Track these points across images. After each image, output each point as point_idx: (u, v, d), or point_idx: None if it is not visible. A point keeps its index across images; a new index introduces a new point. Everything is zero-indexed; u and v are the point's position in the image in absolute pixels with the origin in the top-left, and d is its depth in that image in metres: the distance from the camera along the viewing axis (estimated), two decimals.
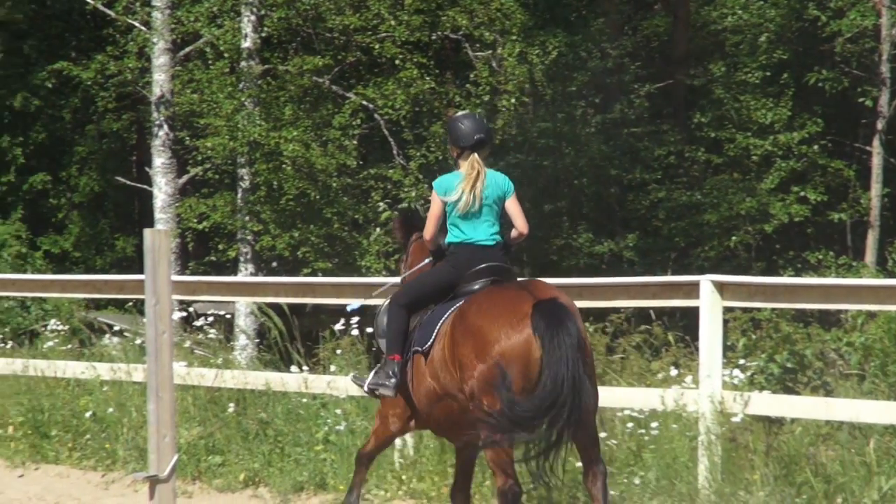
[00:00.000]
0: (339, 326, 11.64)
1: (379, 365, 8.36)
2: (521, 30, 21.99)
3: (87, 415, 11.78)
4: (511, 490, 7.33)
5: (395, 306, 8.20)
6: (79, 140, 31.16)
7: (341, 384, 10.37)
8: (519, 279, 8.45)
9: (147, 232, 6.51)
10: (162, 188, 22.39)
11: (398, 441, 9.86)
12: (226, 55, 21.77)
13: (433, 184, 8.39)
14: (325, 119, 21.94)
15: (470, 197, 7.97)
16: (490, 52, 22.29)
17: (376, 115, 21.73)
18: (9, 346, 14.24)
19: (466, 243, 8.06)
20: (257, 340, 19.29)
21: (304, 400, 11.11)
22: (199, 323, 13.32)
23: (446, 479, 9.52)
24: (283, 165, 21.34)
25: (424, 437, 10.11)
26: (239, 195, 22.74)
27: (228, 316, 17.10)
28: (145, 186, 24.23)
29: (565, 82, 25.83)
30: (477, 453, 8.13)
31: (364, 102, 21.68)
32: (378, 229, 20.11)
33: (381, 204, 19.80)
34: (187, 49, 22.72)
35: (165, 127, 22.24)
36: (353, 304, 10.27)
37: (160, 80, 22.15)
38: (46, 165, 30.34)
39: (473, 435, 7.49)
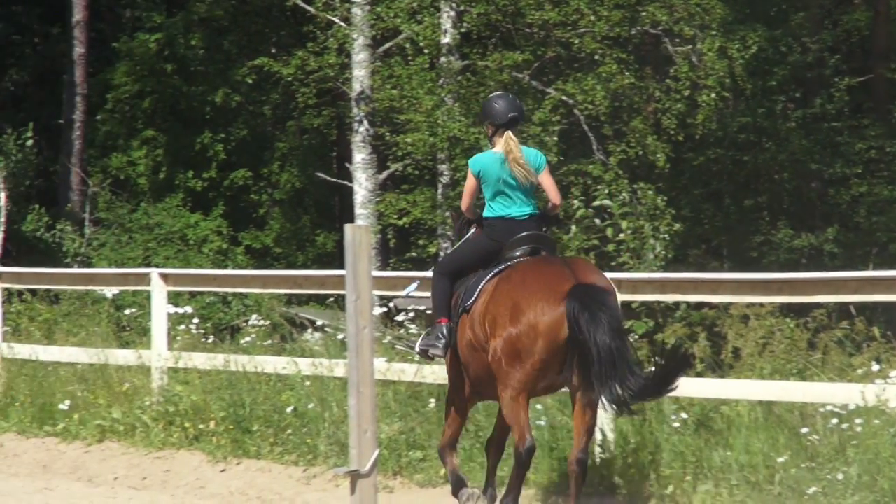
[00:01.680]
0: None
1: (428, 329, 9.06)
2: (720, 24, 21.74)
3: (289, 410, 11.94)
4: (526, 446, 8.01)
5: (438, 275, 8.96)
6: (279, 136, 31.76)
7: None
8: (563, 256, 9.34)
9: (348, 227, 6.64)
10: (362, 184, 22.70)
11: (598, 435, 9.90)
12: (425, 51, 21.95)
13: (468, 161, 9.05)
14: (524, 115, 21.96)
15: (523, 171, 8.63)
16: (690, 47, 22.05)
17: (576, 111, 21.68)
18: (210, 342, 14.51)
19: (502, 217, 8.69)
20: None
21: None
22: (399, 318, 13.47)
23: (647, 475, 9.65)
24: None
25: (624, 433, 10.11)
26: (439, 191, 22.90)
27: (429, 311, 17.21)
28: (346, 182, 24.57)
29: (765, 77, 25.57)
30: None
31: (564, 98, 21.65)
32: (574, 227, 20.09)
33: (575, 202, 19.76)
34: (387, 45, 22.98)
35: (365, 123, 22.55)
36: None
37: (360, 77, 22.46)
38: (247, 161, 30.91)
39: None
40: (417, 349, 9.16)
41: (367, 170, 22.69)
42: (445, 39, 21.94)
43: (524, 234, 8.63)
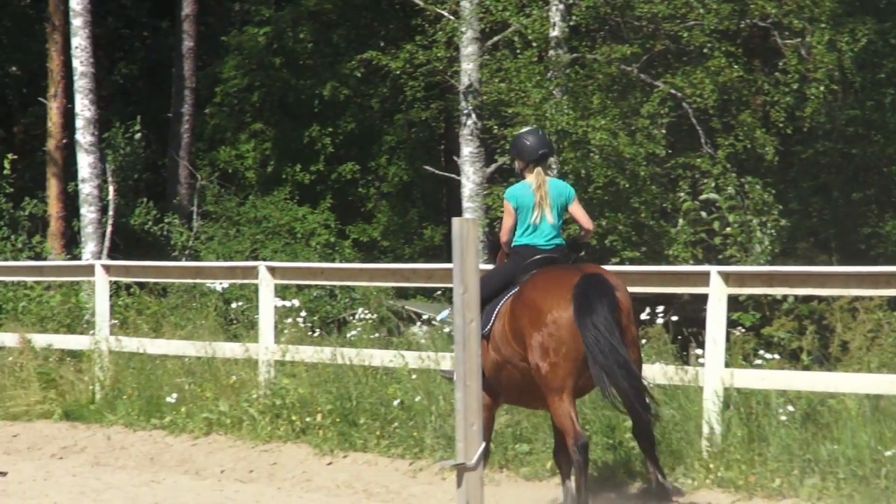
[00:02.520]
0: (644, 316, 11.75)
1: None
2: (830, 17, 21.49)
3: (395, 403, 12.05)
4: (579, 443, 8.28)
5: None
6: (387, 129, 31.85)
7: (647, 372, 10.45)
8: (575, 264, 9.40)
9: (455, 221, 6.69)
10: (470, 177, 22.73)
11: (705, 428, 9.95)
12: (534, 44, 21.93)
13: (505, 194, 9.48)
14: (633, 108, 21.87)
15: (539, 212, 9.07)
16: (799, 39, 21.81)
17: (684, 104, 21.56)
18: (317, 335, 14.65)
19: (527, 245, 9.15)
20: None
21: None
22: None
23: (754, 467, 9.68)
24: (591, 154, 21.37)
25: (732, 426, 10.09)
26: None
27: None
28: (453, 175, 24.61)
29: (874, 70, 25.21)
30: None
31: (672, 91, 21.53)
32: (682, 220, 19.98)
33: (681, 195, 19.62)
34: (495, 38, 22.97)
35: (473, 116, 22.56)
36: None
37: (468, 70, 22.47)
38: (355, 155, 31.00)
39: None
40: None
41: (475, 163, 22.70)
42: (554, 32, 21.87)
43: (537, 257, 9.10)
